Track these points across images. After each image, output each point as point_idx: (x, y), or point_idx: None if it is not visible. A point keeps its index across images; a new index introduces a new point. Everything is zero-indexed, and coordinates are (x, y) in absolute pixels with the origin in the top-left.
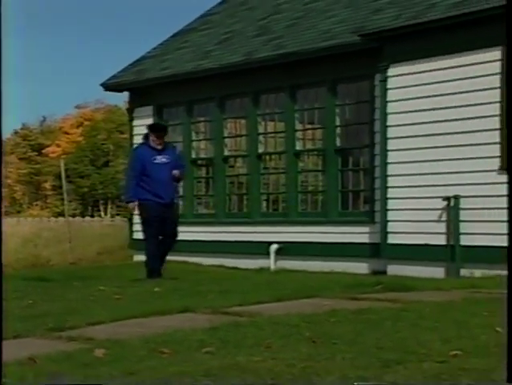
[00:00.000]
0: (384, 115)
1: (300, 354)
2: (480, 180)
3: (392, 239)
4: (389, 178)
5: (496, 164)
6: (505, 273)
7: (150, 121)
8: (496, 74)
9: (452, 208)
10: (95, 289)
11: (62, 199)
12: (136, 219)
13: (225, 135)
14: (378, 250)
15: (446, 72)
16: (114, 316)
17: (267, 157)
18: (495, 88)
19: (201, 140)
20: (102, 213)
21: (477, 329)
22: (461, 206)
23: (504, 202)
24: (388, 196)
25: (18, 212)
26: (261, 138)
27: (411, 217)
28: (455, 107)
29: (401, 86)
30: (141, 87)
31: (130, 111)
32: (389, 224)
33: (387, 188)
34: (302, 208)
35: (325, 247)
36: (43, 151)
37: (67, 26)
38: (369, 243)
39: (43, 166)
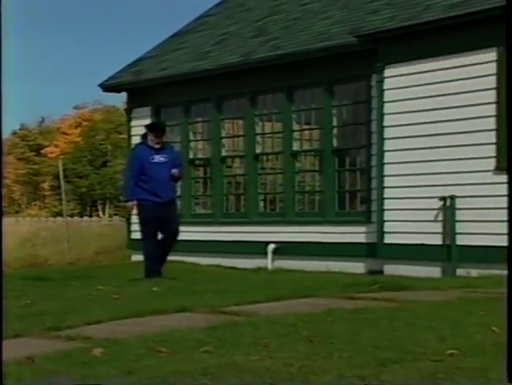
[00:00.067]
0: (381, 115)
1: (297, 354)
2: (476, 180)
3: (388, 239)
4: (386, 178)
5: (492, 164)
6: (503, 272)
7: (148, 121)
8: (491, 75)
9: (448, 208)
10: (93, 288)
11: (61, 199)
12: (134, 219)
13: (223, 135)
14: (374, 250)
15: (444, 73)
16: (112, 315)
17: (264, 157)
18: (491, 89)
19: (198, 141)
20: (100, 213)
21: (473, 328)
22: (457, 206)
23: (499, 202)
24: (385, 196)
25: (17, 212)
26: (258, 138)
27: (407, 217)
28: (455, 107)
29: (398, 86)
30: (139, 87)
31: (128, 111)
32: (386, 224)
33: (383, 188)
34: (299, 208)
35: (322, 247)
36: (42, 151)
37: (65, 27)
38: (366, 243)
39: (42, 166)
